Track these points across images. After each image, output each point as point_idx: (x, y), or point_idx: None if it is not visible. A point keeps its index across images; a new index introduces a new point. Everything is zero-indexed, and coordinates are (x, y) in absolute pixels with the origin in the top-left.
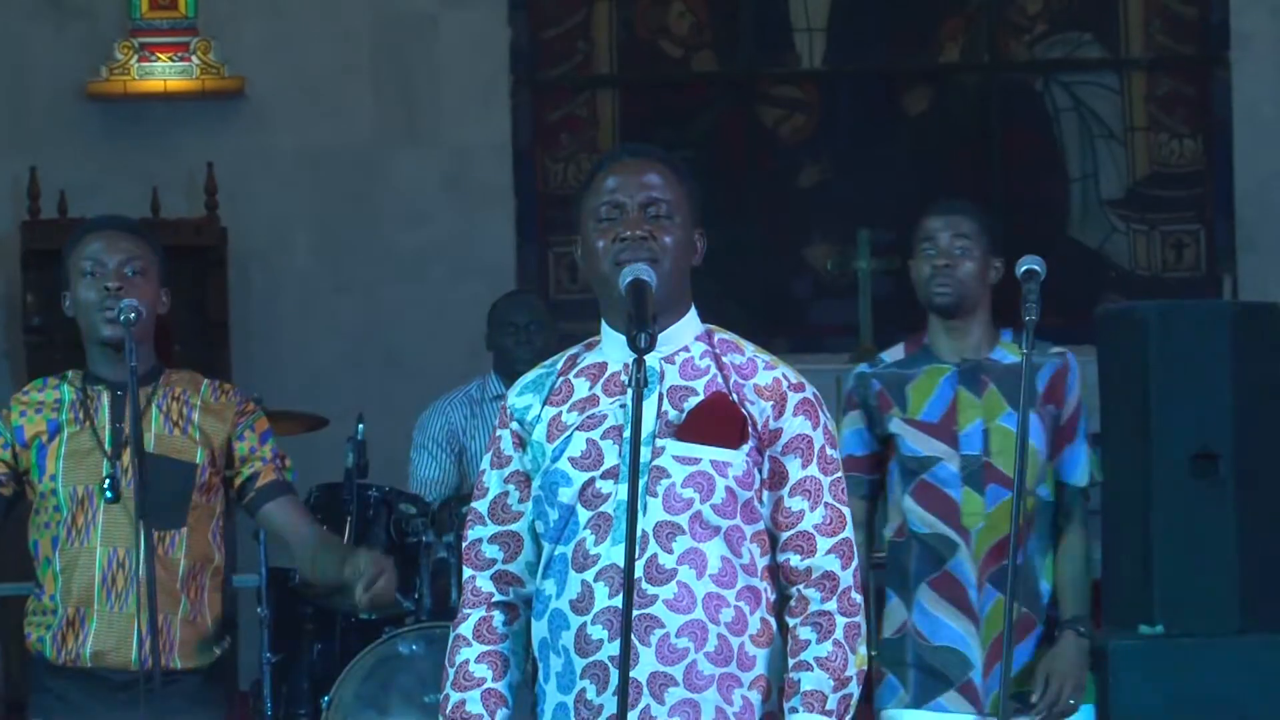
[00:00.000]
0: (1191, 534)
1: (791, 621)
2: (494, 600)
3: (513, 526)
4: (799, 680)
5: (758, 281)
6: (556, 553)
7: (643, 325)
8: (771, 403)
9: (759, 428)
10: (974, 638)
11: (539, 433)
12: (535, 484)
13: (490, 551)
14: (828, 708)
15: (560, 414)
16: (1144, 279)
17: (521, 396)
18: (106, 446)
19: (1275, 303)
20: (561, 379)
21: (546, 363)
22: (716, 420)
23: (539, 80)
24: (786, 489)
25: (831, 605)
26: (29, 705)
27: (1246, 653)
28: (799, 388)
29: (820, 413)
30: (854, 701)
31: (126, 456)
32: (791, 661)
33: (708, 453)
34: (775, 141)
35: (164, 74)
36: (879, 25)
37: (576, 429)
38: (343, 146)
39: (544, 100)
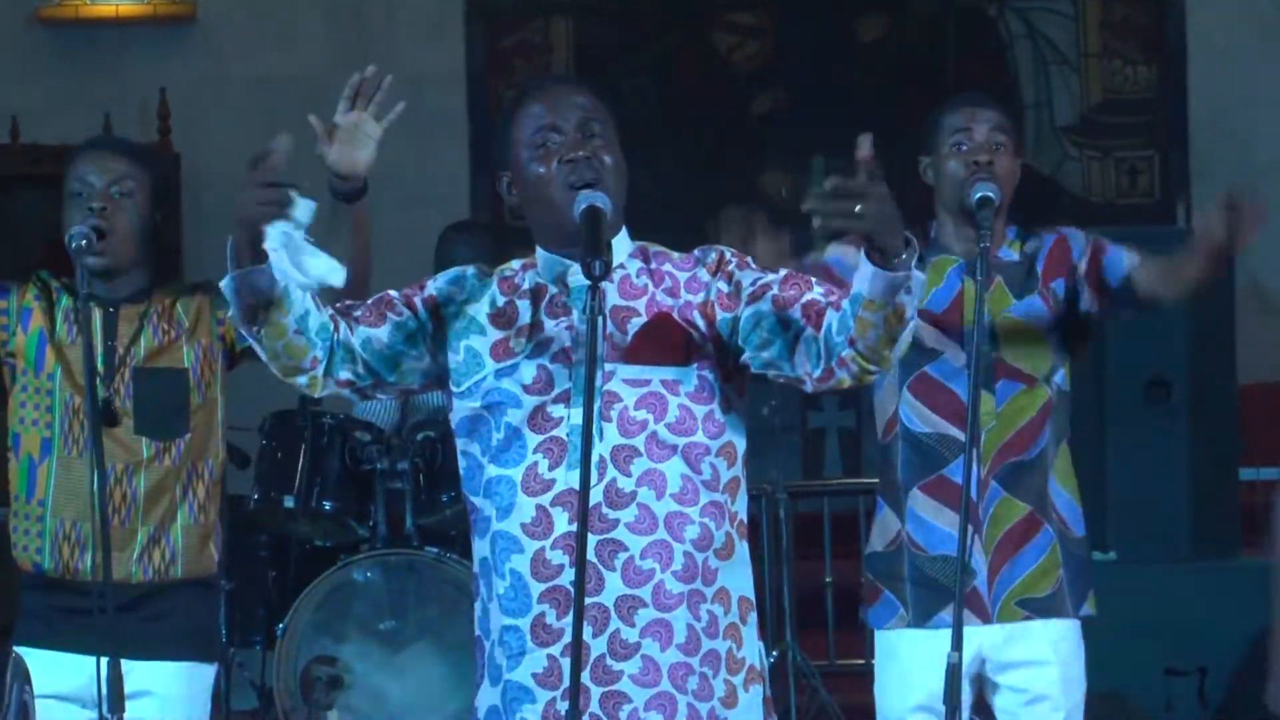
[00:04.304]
0: (1144, 462)
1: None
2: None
3: (384, 324)
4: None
5: (711, 209)
6: (495, 474)
7: (597, 253)
8: (702, 270)
9: (711, 299)
10: (976, 541)
11: (479, 343)
12: (473, 400)
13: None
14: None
15: (508, 338)
16: (1097, 206)
17: (452, 286)
18: (99, 366)
19: None
20: (505, 300)
21: (480, 271)
22: (662, 340)
23: (492, 7)
24: (775, 284)
25: None
26: (15, 629)
27: (1197, 579)
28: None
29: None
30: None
31: (119, 378)
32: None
33: (657, 373)
34: (729, 69)
35: None
36: None
37: (525, 357)
38: (295, 73)
39: (497, 27)
